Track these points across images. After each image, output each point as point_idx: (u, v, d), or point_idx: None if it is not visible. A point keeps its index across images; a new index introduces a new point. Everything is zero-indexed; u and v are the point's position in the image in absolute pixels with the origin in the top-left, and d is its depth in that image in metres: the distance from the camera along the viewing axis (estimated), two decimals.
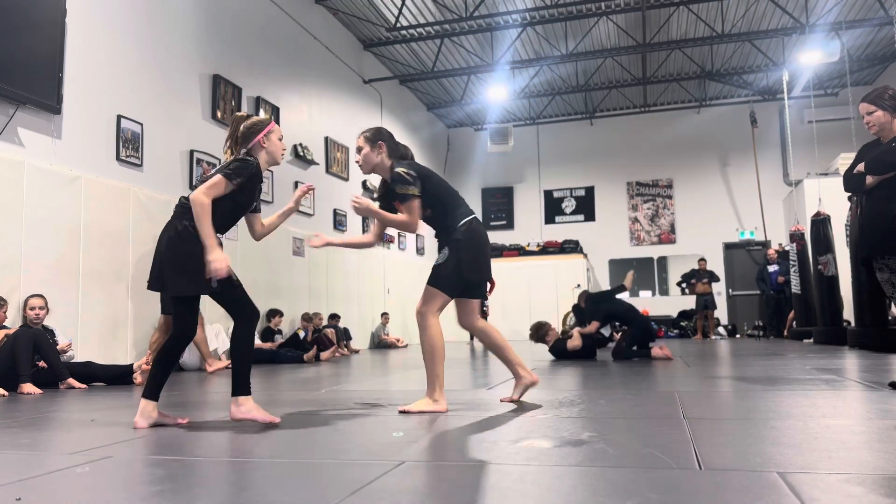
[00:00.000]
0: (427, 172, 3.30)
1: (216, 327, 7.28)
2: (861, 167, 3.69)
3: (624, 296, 7.23)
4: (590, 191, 16.41)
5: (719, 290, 14.46)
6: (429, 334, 3.20)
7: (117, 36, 6.79)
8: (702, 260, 13.53)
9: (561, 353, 6.94)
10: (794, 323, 11.05)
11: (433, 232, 3.45)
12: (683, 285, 13.62)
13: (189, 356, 6.80)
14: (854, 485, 1.66)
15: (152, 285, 2.90)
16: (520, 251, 15.63)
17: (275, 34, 9.64)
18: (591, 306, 7.01)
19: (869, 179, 3.65)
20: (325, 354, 8.11)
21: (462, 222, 3.25)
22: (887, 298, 3.79)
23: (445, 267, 3.22)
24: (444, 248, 3.28)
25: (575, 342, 6.83)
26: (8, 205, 5.43)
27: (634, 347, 6.74)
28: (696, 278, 13.14)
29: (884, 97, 3.67)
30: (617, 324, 6.76)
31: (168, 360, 2.90)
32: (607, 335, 6.75)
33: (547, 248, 15.59)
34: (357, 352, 10.24)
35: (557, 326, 7.44)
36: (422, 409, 3.11)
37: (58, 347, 5.08)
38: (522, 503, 1.60)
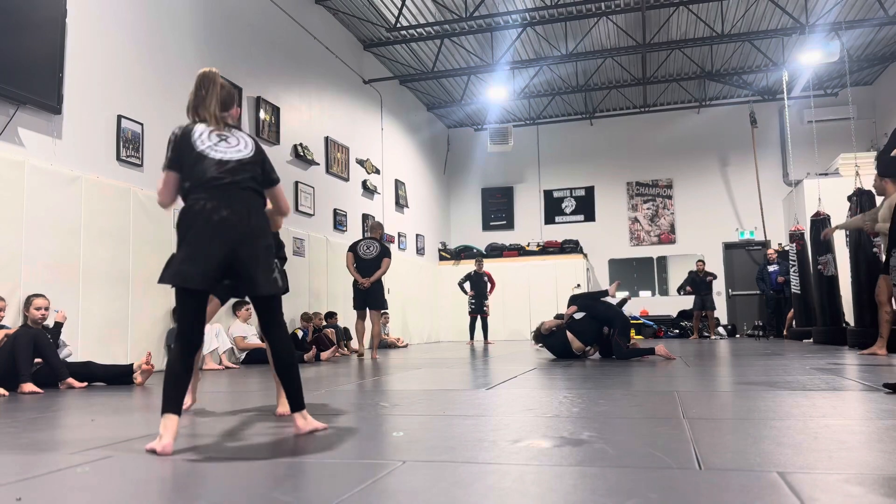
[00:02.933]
0: None
1: (216, 327, 7.27)
2: None
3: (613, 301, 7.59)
4: (590, 191, 16.41)
5: (719, 290, 14.47)
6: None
7: (117, 36, 6.79)
8: (700, 261, 13.51)
9: (542, 340, 7.22)
10: (794, 323, 11.05)
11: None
12: (681, 292, 13.68)
13: None
14: (854, 485, 1.66)
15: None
16: (520, 251, 15.63)
17: (275, 34, 9.64)
18: (570, 302, 7.36)
19: None
20: (324, 354, 8.10)
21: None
22: None
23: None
24: None
25: (547, 324, 7.19)
26: (8, 205, 5.43)
27: (629, 344, 6.92)
28: (695, 288, 13.11)
29: None
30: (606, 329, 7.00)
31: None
32: (578, 318, 6.94)
33: (547, 248, 15.59)
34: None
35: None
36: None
37: (56, 319, 5.19)
38: (522, 503, 1.60)
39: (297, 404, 2.57)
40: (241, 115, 8.45)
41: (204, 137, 2.57)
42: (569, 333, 6.93)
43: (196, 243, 2.38)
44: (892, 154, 3.53)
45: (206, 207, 2.42)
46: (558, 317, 7.53)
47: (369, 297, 8.32)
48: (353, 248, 8.51)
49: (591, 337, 6.88)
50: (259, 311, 2.60)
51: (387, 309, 8.64)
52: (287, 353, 2.62)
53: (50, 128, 5.94)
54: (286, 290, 2.61)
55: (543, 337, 7.19)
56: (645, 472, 1.86)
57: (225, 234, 2.40)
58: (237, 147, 2.61)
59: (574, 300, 7.33)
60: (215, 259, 2.38)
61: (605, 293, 7.60)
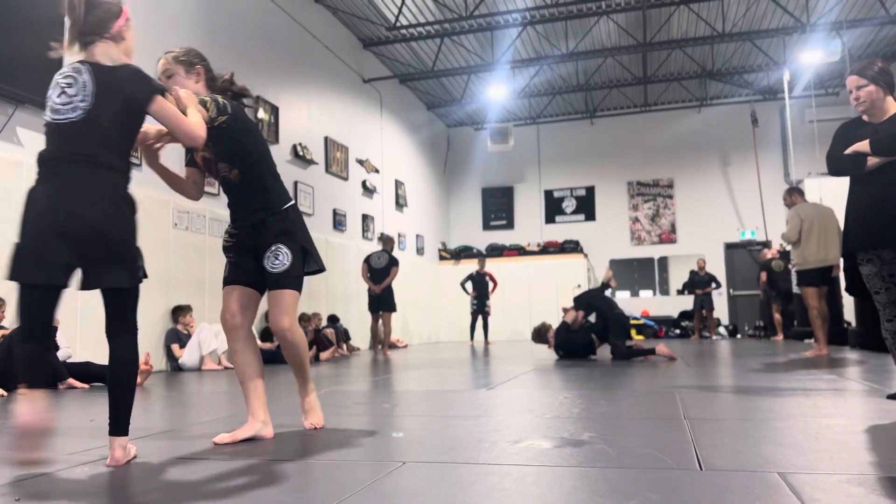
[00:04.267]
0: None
1: (215, 327, 7.26)
2: (861, 146, 3.29)
3: (615, 295, 7.58)
4: (590, 190, 16.40)
5: (720, 290, 14.46)
6: (304, 344, 2.73)
7: None
8: (700, 259, 13.52)
9: (564, 342, 7.10)
10: (795, 322, 11.02)
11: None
12: (685, 292, 13.74)
13: (188, 356, 6.79)
14: (855, 485, 1.66)
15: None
16: (520, 251, 15.62)
17: (274, 33, 9.63)
18: (575, 302, 7.36)
19: (872, 160, 3.26)
20: (324, 355, 8.10)
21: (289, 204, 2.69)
22: (873, 294, 3.50)
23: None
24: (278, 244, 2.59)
25: (570, 315, 7.17)
26: (7, 204, 5.42)
27: (629, 344, 6.93)
28: (697, 287, 13.11)
29: (873, 69, 3.31)
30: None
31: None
32: (594, 321, 6.94)
33: (547, 248, 15.58)
34: (357, 349, 10.24)
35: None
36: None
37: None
38: (522, 503, 1.60)
39: (120, 428, 2.10)
40: None
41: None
42: (592, 335, 7.00)
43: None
44: (852, 151, 3.33)
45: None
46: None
47: (381, 301, 9.66)
48: (367, 260, 9.89)
49: (604, 335, 6.96)
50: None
51: (395, 311, 9.92)
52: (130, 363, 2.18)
53: None
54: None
55: (564, 334, 7.12)
56: (646, 472, 1.85)
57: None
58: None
59: (578, 303, 7.29)
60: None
61: (606, 286, 7.61)
